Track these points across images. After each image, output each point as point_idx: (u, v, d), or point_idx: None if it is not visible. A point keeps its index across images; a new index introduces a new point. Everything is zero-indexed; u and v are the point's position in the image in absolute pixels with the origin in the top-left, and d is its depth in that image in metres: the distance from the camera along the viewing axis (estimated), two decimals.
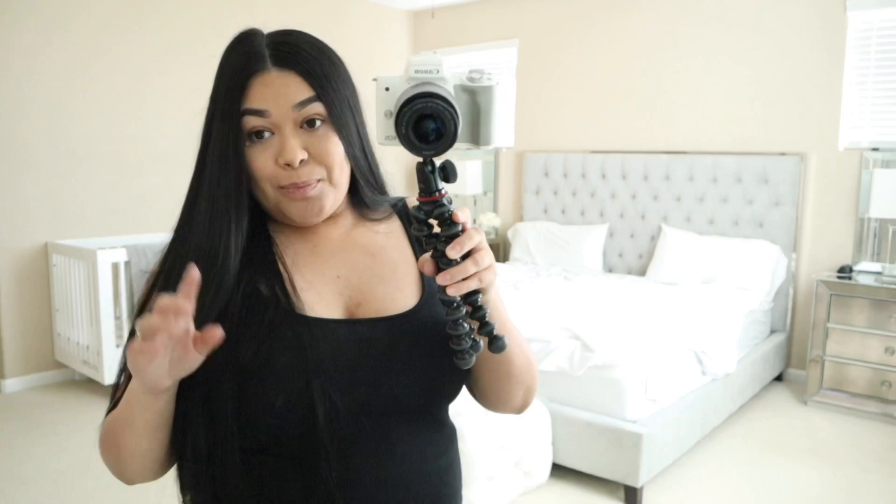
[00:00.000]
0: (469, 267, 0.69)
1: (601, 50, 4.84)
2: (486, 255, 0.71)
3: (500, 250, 5.36)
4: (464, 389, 0.90)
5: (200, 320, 0.77)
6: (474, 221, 5.29)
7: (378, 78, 0.71)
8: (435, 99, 0.66)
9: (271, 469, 0.79)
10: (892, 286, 3.48)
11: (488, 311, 0.72)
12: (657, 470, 2.75)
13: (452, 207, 0.70)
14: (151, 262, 0.88)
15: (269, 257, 0.83)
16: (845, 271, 3.72)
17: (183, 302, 0.67)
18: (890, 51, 3.83)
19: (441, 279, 0.69)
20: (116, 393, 0.83)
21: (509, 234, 5.15)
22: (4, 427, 3.42)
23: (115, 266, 3.79)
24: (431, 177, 0.69)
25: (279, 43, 0.79)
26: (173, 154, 4.24)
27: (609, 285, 3.97)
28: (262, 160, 0.78)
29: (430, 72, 0.69)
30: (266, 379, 0.76)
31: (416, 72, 0.69)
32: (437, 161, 0.70)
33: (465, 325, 0.72)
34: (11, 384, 3.90)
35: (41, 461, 3.03)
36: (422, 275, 0.87)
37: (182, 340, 0.68)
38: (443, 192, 0.70)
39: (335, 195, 0.82)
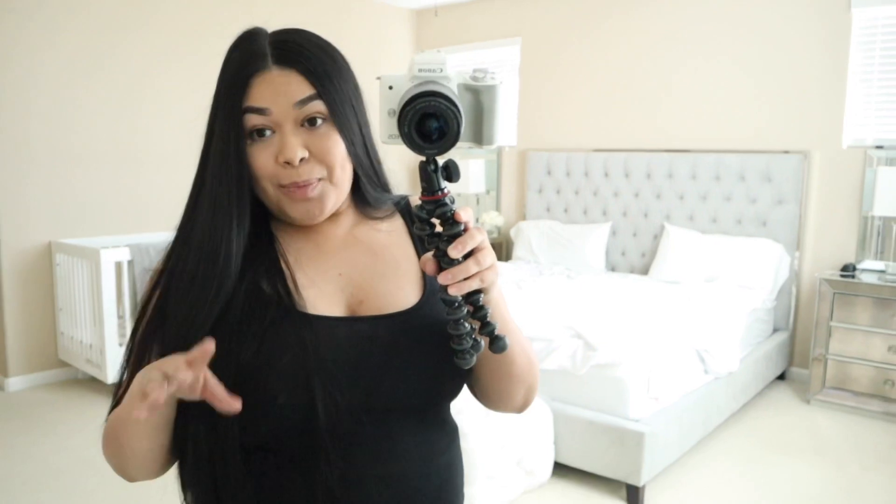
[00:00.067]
0: (471, 266, 0.69)
1: (604, 48, 4.83)
2: (488, 255, 0.71)
3: (503, 249, 5.36)
4: (464, 388, 0.90)
5: (201, 319, 0.77)
6: (477, 220, 5.28)
7: (381, 76, 0.71)
8: (438, 98, 0.66)
9: (272, 467, 0.79)
10: None
11: (490, 311, 0.72)
12: (659, 469, 2.75)
13: (455, 206, 0.70)
14: (154, 260, 0.88)
15: (271, 255, 0.83)
16: (849, 270, 3.71)
17: (191, 374, 0.67)
18: (894, 48, 3.82)
19: (442, 278, 0.69)
20: (119, 391, 0.84)
21: (512, 232, 5.14)
22: (8, 426, 3.43)
23: (119, 265, 3.80)
24: (434, 176, 0.69)
25: (281, 41, 0.80)
26: (176, 153, 4.25)
27: (612, 284, 3.97)
28: (262, 158, 0.78)
29: (434, 70, 0.69)
30: (267, 377, 0.76)
31: (420, 70, 0.69)
32: (440, 160, 0.70)
33: (467, 324, 0.72)
34: (15, 383, 3.91)
35: (44, 460, 3.03)
36: (424, 273, 0.87)
37: (190, 387, 0.68)
38: (445, 191, 0.70)
39: (336, 195, 0.82)
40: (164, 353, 0.77)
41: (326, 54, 0.81)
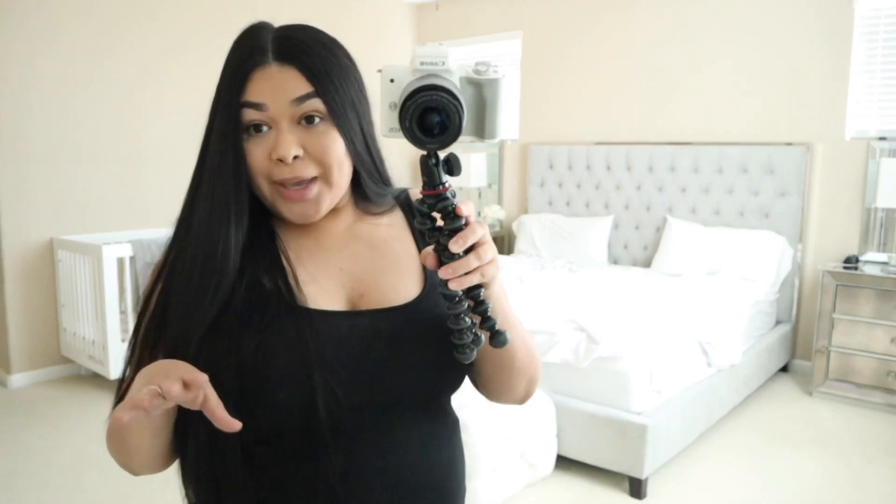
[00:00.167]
0: (471, 261, 0.68)
1: (605, 41, 4.81)
2: (489, 250, 0.70)
3: (505, 242, 5.35)
4: (466, 380, 0.90)
5: (201, 315, 0.77)
6: (478, 214, 5.28)
7: (383, 69, 0.70)
8: (440, 92, 0.65)
9: (273, 461, 0.79)
10: None
11: (490, 305, 0.72)
12: (662, 461, 2.75)
13: (456, 201, 0.69)
14: (156, 256, 0.87)
15: (272, 251, 0.83)
16: (851, 262, 3.70)
17: (188, 395, 0.66)
18: None
19: (443, 273, 0.68)
20: (122, 387, 0.83)
21: (514, 226, 5.14)
22: (11, 422, 3.44)
23: (121, 261, 3.80)
24: (435, 170, 0.69)
25: (283, 37, 0.79)
26: (177, 149, 4.24)
27: (614, 277, 3.96)
28: (257, 154, 0.78)
29: (436, 63, 0.68)
30: (268, 372, 0.76)
31: (422, 63, 0.68)
32: (441, 154, 0.69)
33: (467, 319, 0.71)
34: (18, 379, 3.92)
35: (47, 456, 3.04)
36: (424, 266, 0.86)
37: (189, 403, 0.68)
38: (446, 185, 0.69)
39: (332, 196, 0.82)
40: (167, 351, 0.77)
41: (329, 52, 0.80)
